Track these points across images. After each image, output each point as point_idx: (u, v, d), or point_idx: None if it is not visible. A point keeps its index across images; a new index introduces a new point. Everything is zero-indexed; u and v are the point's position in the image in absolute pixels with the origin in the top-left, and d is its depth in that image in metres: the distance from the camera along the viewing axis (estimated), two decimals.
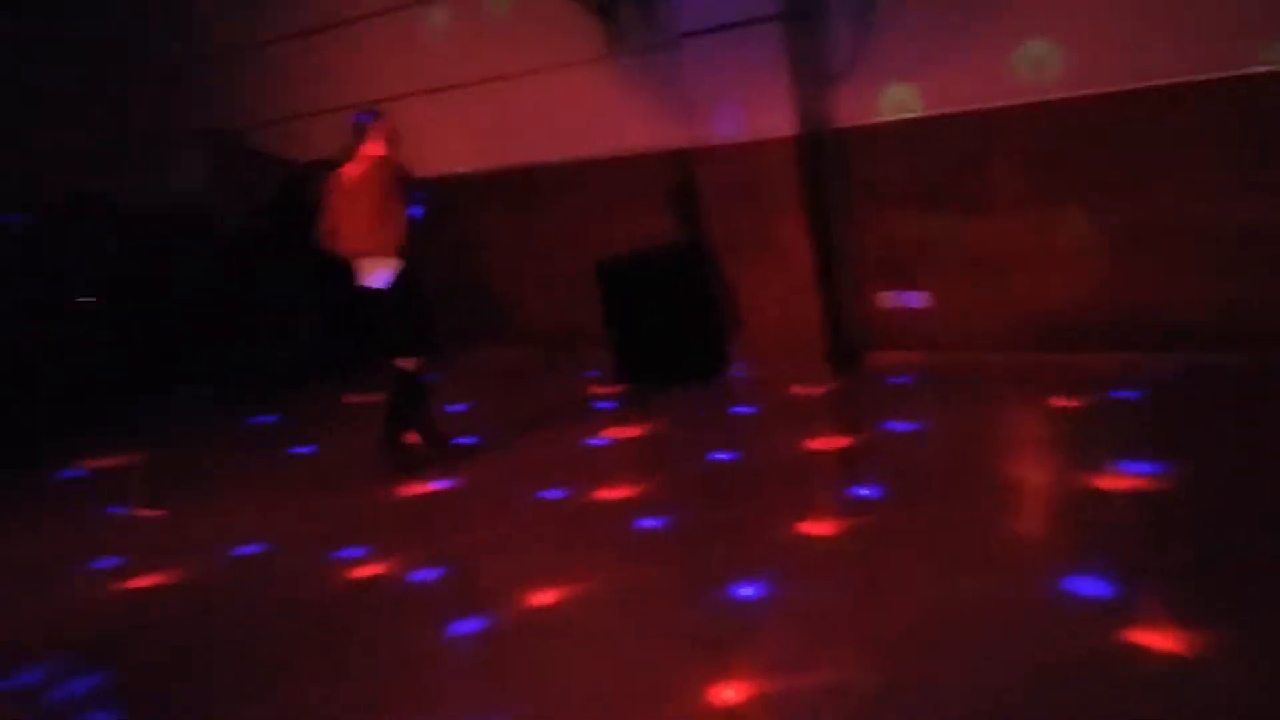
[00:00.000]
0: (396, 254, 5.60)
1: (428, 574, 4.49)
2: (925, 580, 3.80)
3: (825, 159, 6.61)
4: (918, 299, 6.58)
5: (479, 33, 8.15)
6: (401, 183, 5.62)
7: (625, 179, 7.60)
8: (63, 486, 6.69)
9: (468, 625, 3.95)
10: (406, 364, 5.81)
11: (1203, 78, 5.37)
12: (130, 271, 9.16)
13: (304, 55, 9.28)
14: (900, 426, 5.52)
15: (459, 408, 7.16)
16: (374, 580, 4.51)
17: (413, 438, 6.05)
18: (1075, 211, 5.91)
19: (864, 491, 4.70)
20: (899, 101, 6.34)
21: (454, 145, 8.52)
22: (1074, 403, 5.43)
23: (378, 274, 5.64)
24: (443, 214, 8.65)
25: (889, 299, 6.68)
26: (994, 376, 6.02)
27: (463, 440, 6.29)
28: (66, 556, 5.33)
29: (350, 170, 5.71)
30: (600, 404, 6.78)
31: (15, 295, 8.20)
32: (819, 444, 5.50)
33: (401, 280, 5.64)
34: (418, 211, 5.72)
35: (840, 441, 5.54)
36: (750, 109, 6.48)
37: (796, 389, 6.42)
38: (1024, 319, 6.21)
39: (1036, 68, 5.86)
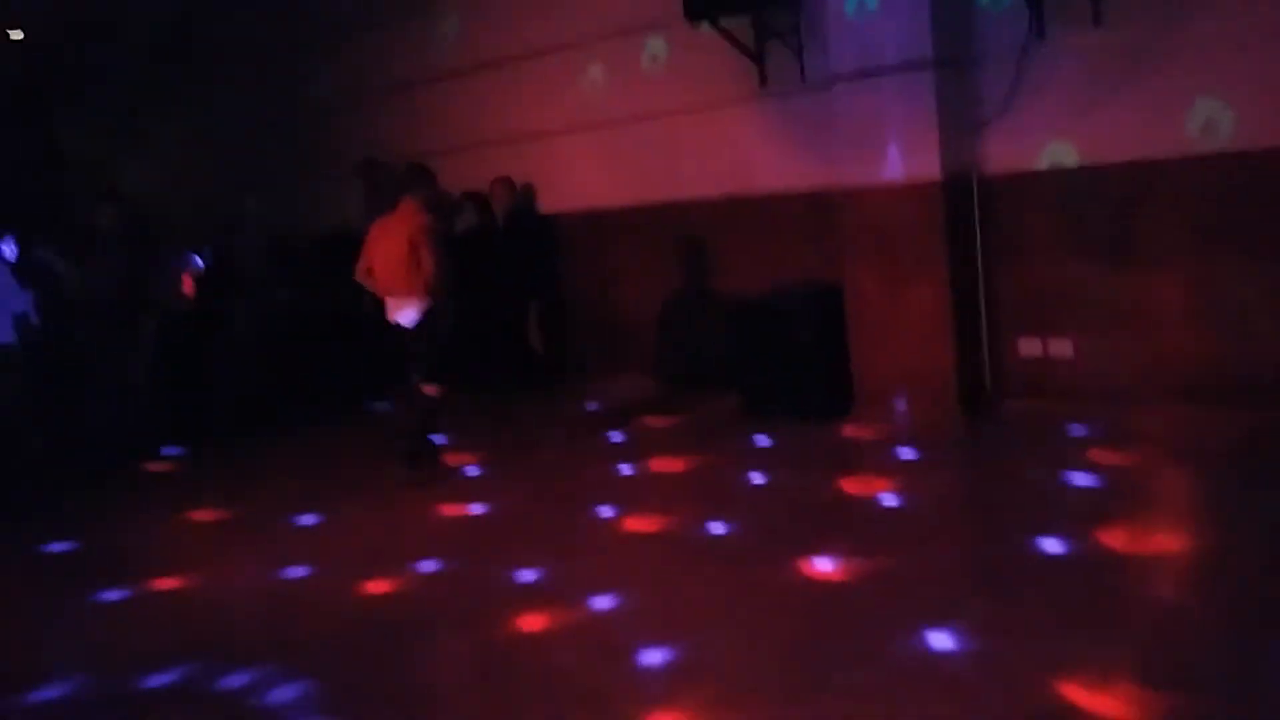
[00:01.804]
0: (424, 295, 6.10)
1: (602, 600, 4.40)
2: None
3: (971, 205, 6.55)
4: (1058, 348, 6.47)
5: (630, 73, 8.33)
6: (434, 232, 6.14)
7: (767, 218, 7.64)
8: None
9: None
10: (430, 390, 6.28)
11: None
12: (287, 293, 9.64)
13: (460, 91, 9.59)
14: (1046, 477, 5.34)
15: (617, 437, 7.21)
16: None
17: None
18: (1233, 267, 5.76)
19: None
20: (1052, 151, 6.27)
21: (599, 181, 8.69)
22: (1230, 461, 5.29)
23: (405, 312, 6.17)
24: (584, 249, 8.99)
25: (1029, 347, 6.57)
26: (1135, 429, 5.84)
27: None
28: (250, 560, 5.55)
29: (389, 217, 6.29)
30: (757, 439, 6.69)
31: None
32: (937, 489, 5.48)
33: (427, 318, 6.16)
34: None
35: (960, 489, 5.54)
36: (898, 153, 6.43)
37: (927, 433, 6.31)
38: (1167, 373, 6.03)
39: (1202, 122, 5.74)
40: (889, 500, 5.30)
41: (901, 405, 6.64)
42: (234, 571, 5.36)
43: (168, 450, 8.13)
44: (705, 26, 7.34)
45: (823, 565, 4.52)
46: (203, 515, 6.42)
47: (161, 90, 12.68)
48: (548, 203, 9.12)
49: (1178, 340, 6.00)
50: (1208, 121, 5.76)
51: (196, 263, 8.82)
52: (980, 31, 6.46)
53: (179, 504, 6.65)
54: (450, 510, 5.96)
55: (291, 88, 11.40)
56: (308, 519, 6.06)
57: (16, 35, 12.38)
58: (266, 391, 9.09)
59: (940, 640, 3.71)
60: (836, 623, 4.01)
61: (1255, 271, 5.70)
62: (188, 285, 8.70)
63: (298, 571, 5.21)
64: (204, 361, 8.77)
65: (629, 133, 8.42)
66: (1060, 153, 6.27)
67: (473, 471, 6.68)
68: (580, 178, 8.83)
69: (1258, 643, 3.45)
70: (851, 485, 5.60)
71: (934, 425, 6.42)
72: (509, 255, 8.68)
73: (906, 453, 6.06)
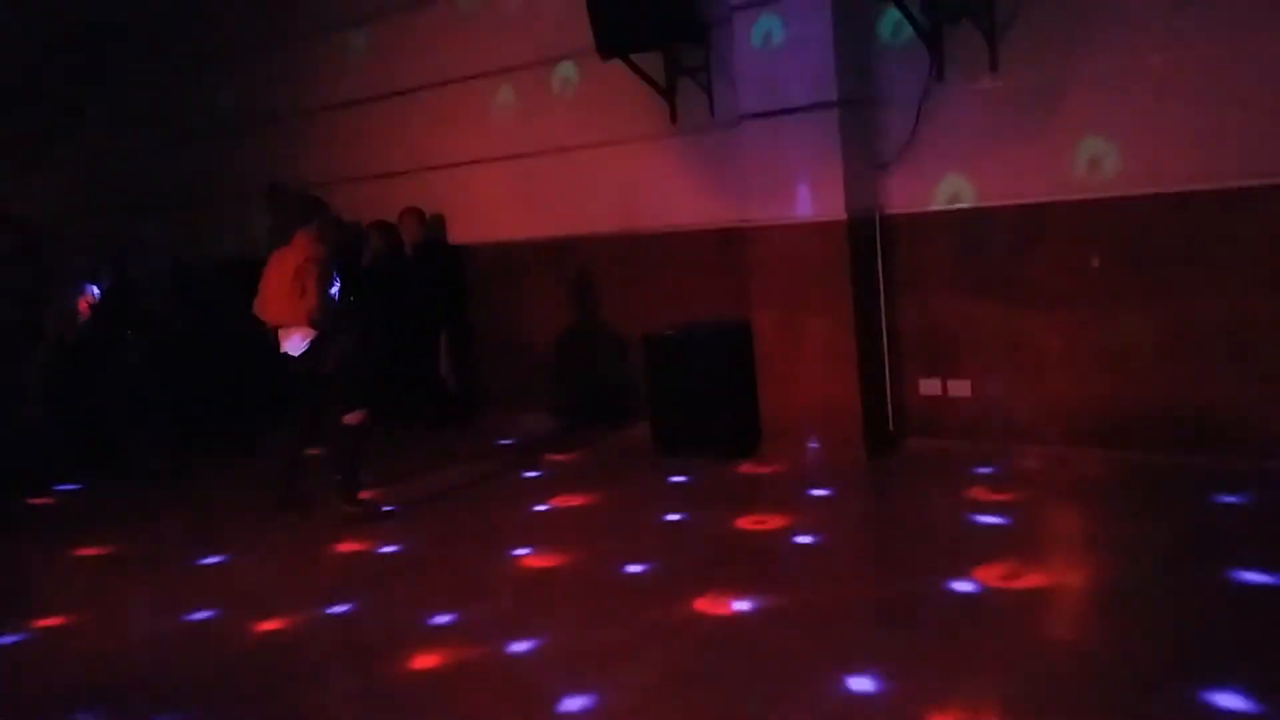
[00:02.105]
0: (309, 325, 6.08)
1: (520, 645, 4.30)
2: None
3: (874, 243, 6.67)
4: (957, 387, 6.59)
5: (541, 106, 8.32)
6: (320, 263, 6.10)
7: (675, 254, 7.70)
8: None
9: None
10: (351, 419, 6.23)
11: (1257, 183, 5.43)
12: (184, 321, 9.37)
13: (369, 118, 9.50)
14: (946, 516, 5.47)
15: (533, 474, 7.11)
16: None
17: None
18: (1123, 308, 5.93)
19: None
20: (950, 191, 6.42)
21: (509, 213, 8.65)
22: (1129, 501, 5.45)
23: (292, 342, 6.16)
24: (493, 281, 8.92)
25: (929, 386, 6.69)
26: (1029, 469, 6.01)
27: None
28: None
29: (284, 249, 6.26)
30: (666, 477, 6.66)
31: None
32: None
33: (313, 348, 6.14)
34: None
35: (864, 527, 5.65)
36: (803, 192, 6.53)
37: (832, 471, 6.41)
38: (1059, 413, 6.20)
39: (1091, 165, 5.93)
40: (795, 538, 5.33)
41: (808, 444, 6.71)
42: (129, 613, 5.18)
43: (59, 485, 7.84)
44: (616, 62, 7.39)
45: (732, 604, 4.52)
46: (93, 552, 6.20)
47: (59, 109, 12.28)
48: (457, 234, 9.07)
49: (1067, 381, 6.17)
50: (1092, 160, 5.96)
51: (92, 290, 8.55)
52: (882, 73, 6.60)
53: (68, 540, 6.40)
54: (355, 548, 5.84)
55: (195, 109, 11.15)
56: (206, 558, 5.87)
57: None
58: (162, 422, 8.82)
59: (845, 680, 3.72)
60: (746, 663, 4.00)
61: (1139, 313, 5.90)
62: (83, 308, 8.45)
63: (196, 613, 5.02)
64: (97, 392, 8.49)
65: (538, 165, 8.41)
66: (958, 192, 6.43)
67: (383, 508, 6.54)
68: (489, 209, 8.79)
69: (1146, 678, 3.54)
70: (757, 523, 5.63)
71: (839, 463, 6.52)
72: (417, 286, 8.61)
73: (812, 491, 6.11)
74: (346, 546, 5.88)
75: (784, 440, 6.84)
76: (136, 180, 11.45)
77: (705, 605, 4.54)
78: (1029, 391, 6.33)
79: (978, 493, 5.71)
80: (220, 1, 10.59)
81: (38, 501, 7.57)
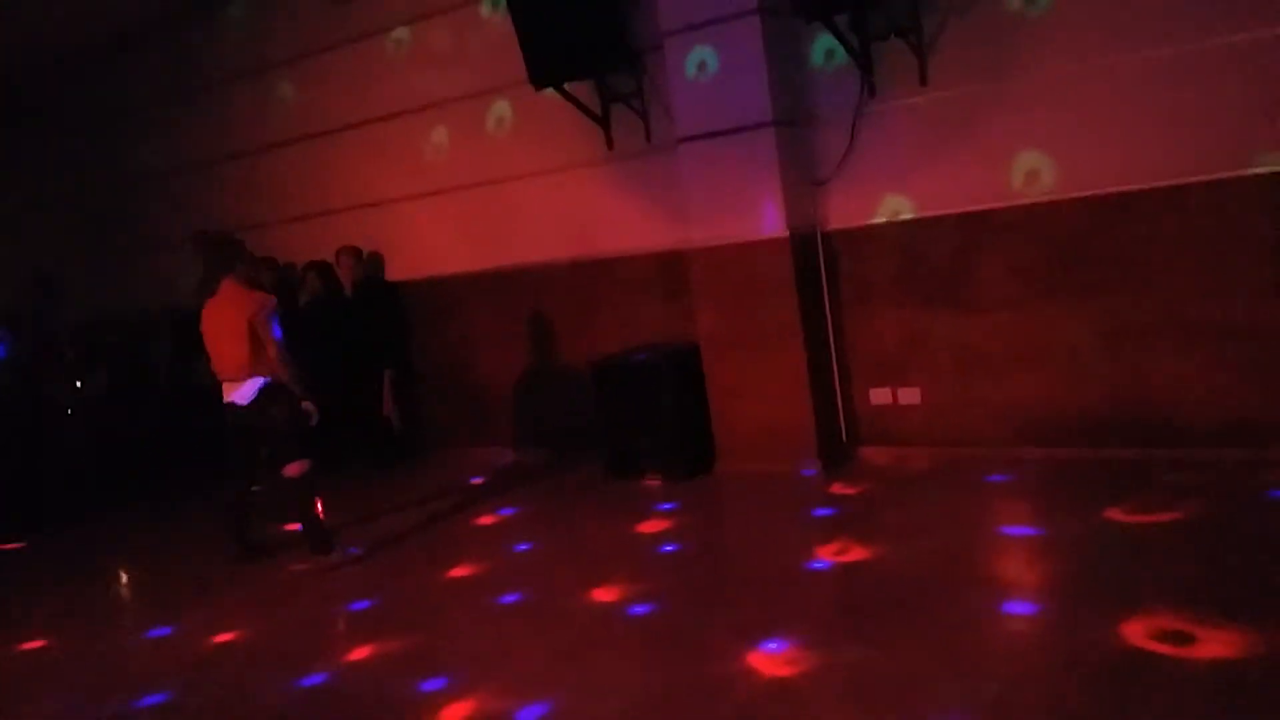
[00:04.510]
0: (271, 375, 5.81)
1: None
2: None
3: (816, 259, 6.55)
4: (907, 395, 6.48)
5: (476, 138, 8.08)
6: (271, 312, 5.82)
7: (619, 279, 7.50)
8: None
9: None
10: (292, 470, 5.90)
11: (1192, 180, 5.39)
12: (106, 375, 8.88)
13: (300, 159, 9.16)
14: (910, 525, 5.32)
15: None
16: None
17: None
18: (1065, 310, 5.86)
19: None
20: (889, 204, 6.33)
21: (448, 246, 8.38)
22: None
23: (241, 391, 5.85)
24: (436, 316, 8.64)
25: (880, 395, 6.57)
26: (980, 474, 5.90)
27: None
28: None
29: (219, 301, 5.90)
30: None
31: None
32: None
33: (261, 398, 5.84)
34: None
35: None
36: (743, 211, 6.40)
37: (789, 486, 6.29)
38: (1015, 415, 6.10)
39: (1028, 177, 5.87)
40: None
41: (800, 467, 6.54)
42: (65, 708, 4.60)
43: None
44: (550, 92, 7.19)
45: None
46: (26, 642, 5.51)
47: None
48: (396, 270, 8.76)
49: (1015, 383, 6.09)
50: (1030, 172, 5.90)
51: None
52: (816, 92, 6.49)
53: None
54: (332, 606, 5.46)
55: (118, 157, 10.66)
56: (156, 630, 5.37)
57: None
58: (88, 480, 8.35)
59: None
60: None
61: (1083, 313, 5.83)
62: None
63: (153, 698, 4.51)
64: (16, 448, 8.00)
65: (476, 198, 8.14)
66: (897, 206, 6.34)
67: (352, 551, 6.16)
68: (428, 244, 8.50)
69: None
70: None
71: (794, 477, 6.38)
72: (358, 325, 8.29)
73: (775, 508, 5.95)
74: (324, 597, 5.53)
75: (738, 458, 6.68)
76: (62, 232, 10.92)
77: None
78: (974, 395, 6.24)
79: (923, 502, 5.66)
80: (137, 52, 10.13)
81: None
